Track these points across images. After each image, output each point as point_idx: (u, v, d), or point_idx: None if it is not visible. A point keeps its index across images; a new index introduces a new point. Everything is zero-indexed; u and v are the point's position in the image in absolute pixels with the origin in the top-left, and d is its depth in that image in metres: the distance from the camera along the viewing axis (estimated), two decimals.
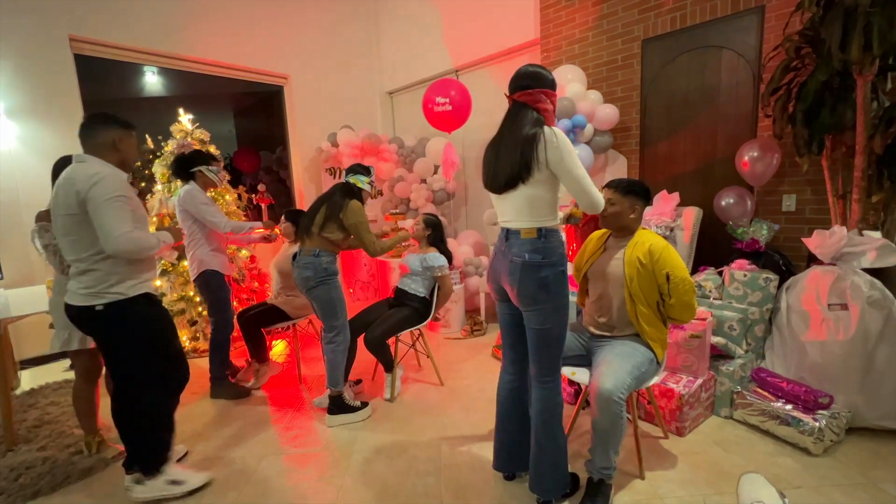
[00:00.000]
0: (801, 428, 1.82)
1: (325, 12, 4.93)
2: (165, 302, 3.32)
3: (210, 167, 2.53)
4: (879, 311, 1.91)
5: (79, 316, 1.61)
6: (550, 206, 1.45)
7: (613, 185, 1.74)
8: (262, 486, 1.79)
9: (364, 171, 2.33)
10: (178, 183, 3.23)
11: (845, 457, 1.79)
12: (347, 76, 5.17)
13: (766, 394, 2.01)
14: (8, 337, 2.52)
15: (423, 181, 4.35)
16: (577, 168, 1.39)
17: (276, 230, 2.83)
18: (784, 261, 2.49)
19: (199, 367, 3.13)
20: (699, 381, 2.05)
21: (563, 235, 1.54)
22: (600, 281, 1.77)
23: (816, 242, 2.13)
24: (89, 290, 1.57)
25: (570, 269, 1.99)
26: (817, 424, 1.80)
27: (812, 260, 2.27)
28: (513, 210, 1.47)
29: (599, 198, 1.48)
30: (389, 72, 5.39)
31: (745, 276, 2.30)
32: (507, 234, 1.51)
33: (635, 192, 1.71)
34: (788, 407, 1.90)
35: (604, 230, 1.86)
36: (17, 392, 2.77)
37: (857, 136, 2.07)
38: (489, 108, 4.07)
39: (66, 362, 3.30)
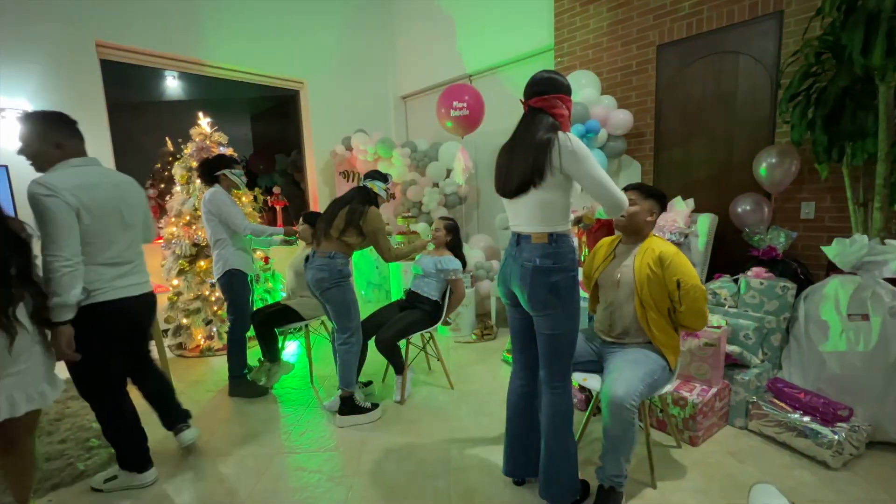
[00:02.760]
0: (819, 440, 1.78)
1: (341, 18, 5.01)
2: (181, 301, 3.39)
3: (233, 170, 2.61)
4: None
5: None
6: (562, 211, 1.45)
7: (634, 187, 1.75)
8: (272, 485, 1.81)
9: (381, 177, 2.40)
10: (197, 184, 3.31)
11: (865, 471, 1.75)
12: (362, 81, 5.24)
13: (782, 405, 1.97)
14: None
15: (436, 185, 4.38)
16: (595, 170, 1.38)
17: (297, 236, 2.86)
18: (802, 269, 2.44)
19: (213, 365, 3.20)
20: (713, 390, 2.01)
21: (575, 241, 1.54)
22: (611, 288, 1.77)
23: (836, 251, 2.08)
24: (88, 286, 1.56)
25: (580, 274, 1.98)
26: (836, 437, 1.75)
27: (831, 269, 2.23)
28: (524, 215, 1.48)
29: (623, 198, 1.45)
30: (403, 76, 5.44)
31: (761, 284, 2.26)
32: (519, 238, 1.51)
33: (654, 196, 1.72)
34: (806, 419, 1.86)
35: (613, 237, 1.85)
36: None
37: (879, 143, 2.03)
38: (502, 113, 4.08)
39: None
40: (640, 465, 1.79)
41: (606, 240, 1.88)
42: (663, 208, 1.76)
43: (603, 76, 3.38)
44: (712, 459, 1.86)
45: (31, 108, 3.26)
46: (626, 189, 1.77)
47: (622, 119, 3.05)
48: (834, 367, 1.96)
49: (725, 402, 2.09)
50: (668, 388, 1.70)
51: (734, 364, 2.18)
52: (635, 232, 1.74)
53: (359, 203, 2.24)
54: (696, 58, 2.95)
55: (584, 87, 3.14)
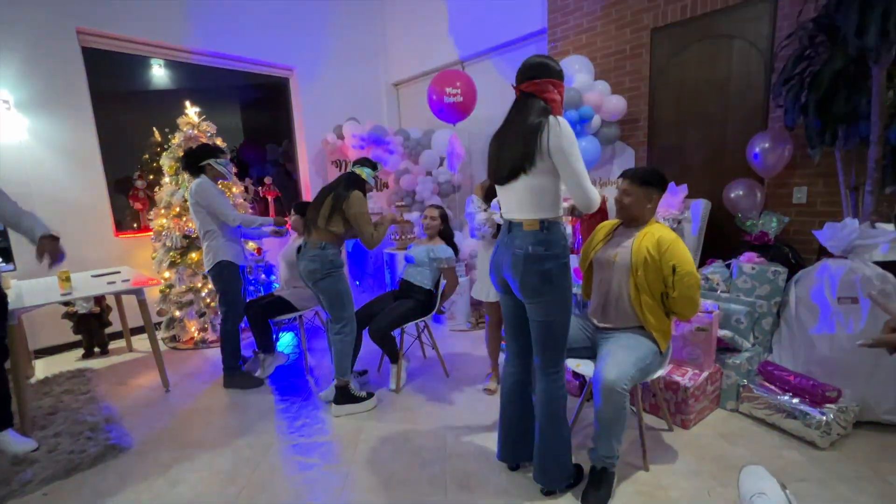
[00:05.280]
0: (807, 421, 1.81)
1: (331, 3, 4.90)
2: (174, 293, 3.37)
3: (219, 160, 2.57)
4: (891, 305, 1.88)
5: None
6: (554, 197, 1.44)
7: (629, 175, 1.73)
8: (269, 474, 1.82)
9: (370, 164, 2.36)
10: (185, 175, 3.26)
11: (852, 450, 1.78)
12: (353, 68, 5.15)
13: (772, 387, 2.00)
14: (22, 327, 2.57)
15: (429, 173, 4.34)
16: (576, 160, 1.37)
17: (287, 227, 2.84)
18: (793, 254, 2.46)
19: (207, 357, 3.19)
20: (705, 373, 2.04)
21: (568, 228, 1.54)
22: (606, 269, 1.77)
23: (827, 235, 2.10)
24: None
25: (574, 261, 1.99)
26: (824, 418, 1.78)
27: (822, 253, 2.25)
28: (516, 201, 1.47)
29: (596, 198, 1.44)
30: (395, 63, 5.35)
31: (753, 268, 2.27)
32: (510, 226, 1.50)
33: (650, 182, 1.70)
34: (795, 400, 1.89)
35: (615, 220, 1.85)
36: (32, 381, 2.84)
37: (871, 126, 2.03)
38: (495, 99, 4.04)
39: (79, 352, 3.37)
40: (632, 447, 1.82)
41: (609, 222, 1.88)
42: (663, 190, 1.74)
43: (596, 61, 3.34)
44: (703, 441, 1.89)
45: (11, 98, 3.18)
46: (620, 177, 1.76)
47: (616, 105, 3.02)
48: (823, 349, 1.99)
49: (717, 385, 2.12)
50: (661, 372, 1.71)
51: (726, 348, 2.20)
52: (633, 219, 1.74)
53: (343, 188, 2.20)
54: (690, 42, 2.92)
55: (578, 73, 3.10)
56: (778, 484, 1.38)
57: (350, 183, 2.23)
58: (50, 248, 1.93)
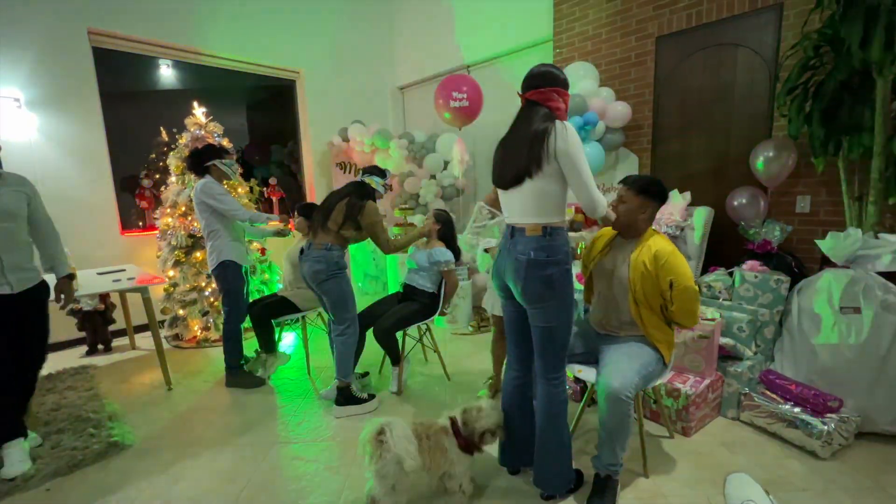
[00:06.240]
0: (809, 431, 1.81)
1: (339, 7, 4.94)
2: (178, 292, 3.39)
3: (223, 160, 2.58)
4: (893, 316, 1.88)
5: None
6: (557, 202, 1.45)
7: (629, 182, 1.70)
8: (270, 474, 1.83)
9: (380, 173, 2.39)
10: (192, 175, 3.29)
11: (854, 461, 1.78)
12: (359, 71, 5.18)
13: (774, 396, 2.00)
14: None
15: (433, 177, 4.36)
16: (581, 163, 1.39)
17: (290, 226, 2.87)
18: (796, 263, 2.46)
19: (210, 356, 3.20)
20: (706, 381, 2.04)
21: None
22: (606, 281, 1.77)
23: (830, 244, 2.10)
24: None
25: (578, 266, 1.99)
26: (826, 428, 1.78)
27: (825, 262, 2.24)
28: (519, 206, 1.48)
29: (601, 199, 1.45)
30: (401, 67, 5.39)
31: (756, 277, 2.28)
32: (513, 231, 1.51)
33: (649, 192, 1.66)
34: (797, 410, 1.89)
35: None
36: None
37: (875, 137, 2.04)
38: (500, 104, 4.06)
39: (83, 349, 3.39)
40: (633, 455, 1.81)
41: (606, 230, 1.86)
42: (661, 202, 1.70)
43: (602, 68, 3.36)
44: (704, 450, 1.89)
45: (22, 96, 3.21)
46: (620, 182, 1.75)
47: (620, 111, 3.03)
48: (825, 359, 1.99)
49: (718, 393, 2.12)
50: (662, 380, 1.72)
51: (727, 356, 2.20)
52: (628, 227, 1.72)
53: (357, 198, 2.23)
54: (695, 50, 2.94)
55: (583, 79, 3.12)
56: (762, 490, 1.39)
57: (363, 192, 2.27)
58: (67, 290, 2.03)
